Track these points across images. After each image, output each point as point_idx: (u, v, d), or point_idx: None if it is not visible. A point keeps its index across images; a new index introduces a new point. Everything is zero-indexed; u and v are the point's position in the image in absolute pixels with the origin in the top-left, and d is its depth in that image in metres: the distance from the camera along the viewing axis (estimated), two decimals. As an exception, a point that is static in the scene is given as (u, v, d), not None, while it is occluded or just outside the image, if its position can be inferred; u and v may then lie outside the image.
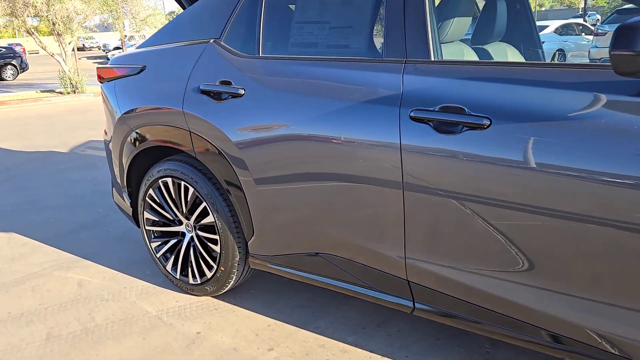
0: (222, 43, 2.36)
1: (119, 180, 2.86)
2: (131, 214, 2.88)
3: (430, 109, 1.72)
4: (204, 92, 2.31)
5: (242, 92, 2.19)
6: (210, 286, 2.57)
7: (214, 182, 2.41)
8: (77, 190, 4.74)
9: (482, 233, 1.68)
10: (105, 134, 2.98)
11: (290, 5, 2.38)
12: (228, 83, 2.25)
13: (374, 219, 1.92)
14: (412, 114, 1.75)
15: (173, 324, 2.44)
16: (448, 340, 2.20)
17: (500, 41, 2.59)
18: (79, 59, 14.66)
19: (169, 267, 2.72)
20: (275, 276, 2.54)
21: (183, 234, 2.67)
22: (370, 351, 2.16)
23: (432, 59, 1.80)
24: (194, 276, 2.63)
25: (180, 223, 2.65)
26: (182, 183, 2.49)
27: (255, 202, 2.24)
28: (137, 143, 2.63)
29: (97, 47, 39.03)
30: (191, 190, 2.47)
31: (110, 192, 3.32)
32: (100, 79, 2.89)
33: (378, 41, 2.07)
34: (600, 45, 11.06)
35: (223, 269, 2.48)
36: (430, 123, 1.72)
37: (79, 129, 8.26)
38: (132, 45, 27.40)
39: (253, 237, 2.33)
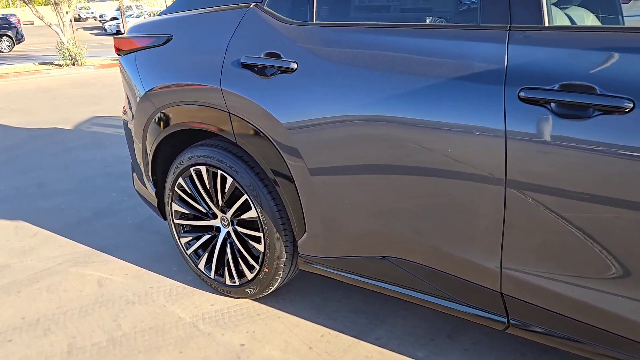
0: (265, 8, 2.00)
1: (141, 167, 2.53)
2: (156, 205, 2.55)
3: (548, 87, 1.38)
4: (245, 66, 1.96)
5: (295, 66, 1.84)
6: (251, 288, 2.26)
7: (257, 171, 2.08)
8: (86, 172, 4.41)
9: (605, 243, 1.37)
10: (125, 112, 2.64)
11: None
12: (276, 55, 1.90)
13: (465, 221, 1.60)
14: (521, 94, 1.41)
15: (212, 333, 2.14)
16: (536, 356, 1.90)
17: (577, 6, 2.23)
18: (76, 29, 14.12)
19: (201, 265, 2.41)
20: (318, 275, 2.24)
21: (218, 229, 2.35)
22: (446, 369, 1.87)
23: (547, 24, 1.45)
24: (231, 277, 2.32)
25: (215, 217, 2.32)
26: (219, 172, 2.16)
27: (309, 196, 1.91)
28: (164, 125, 2.28)
29: (93, 17, 38.16)
30: (229, 180, 2.14)
31: (130, 176, 3.00)
32: (118, 50, 2.52)
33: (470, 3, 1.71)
34: None
35: (267, 270, 2.17)
36: (548, 105, 1.37)
37: (82, 104, 7.88)
38: (130, 16, 26.67)
39: (304, 236, 2.01)
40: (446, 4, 1.75)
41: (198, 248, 2.42)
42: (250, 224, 2.21)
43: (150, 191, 2.55)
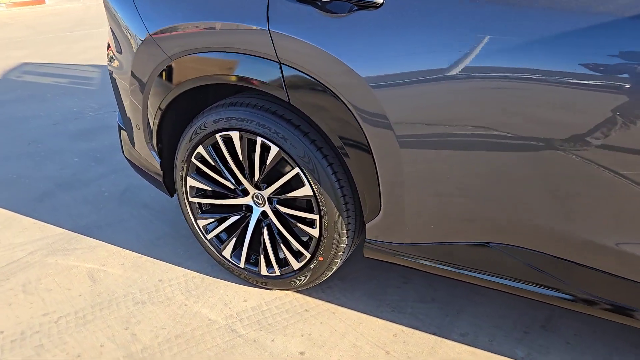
0: None
1: (139, 131, 1.99)
2: (162, 179, 2.04)
3: None
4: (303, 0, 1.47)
5: (380, 0, 1.38)
6: (296, 279, 1.86)
7: (313, 138, 1.63)
8: (34, 132, 3.71)
9: None
10: (111, 60, 2.06)
11: None
12: (348, -16, 1.42)
13: (618, 204, 1.25)
14: None
15: (258, 339, 1.73)
16: (652, 348, 1.65)
17: None
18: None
19: (226, 252, 1.96)
20: (360, 256, 1.86)
21: (249, 209, 1.89)
22: (557, 370, 1.58)
23: None
24: (269, 266, 1.89)
25: (246, 193, 1.86)
26: (259, 139, 1.69)
27: (392, 171, 1.49)
28: (179, 80, 1.75)
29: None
30: (274, 150, 1.67)
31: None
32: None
33: None
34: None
35: (321, 259, 1.76)
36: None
37: (3, 49, 6.83)
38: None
39: (378, 218, 1.61)
40: None
41: (222, 232, 1.96)
42: (296, 203, 1.78)
43: (152, 162, 2.03)
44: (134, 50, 1.83)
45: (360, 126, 1.47)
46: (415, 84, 1.35)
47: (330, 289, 1.96)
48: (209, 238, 1.99)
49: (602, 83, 1.15)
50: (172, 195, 2.10)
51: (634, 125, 1.15)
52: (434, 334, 1.73)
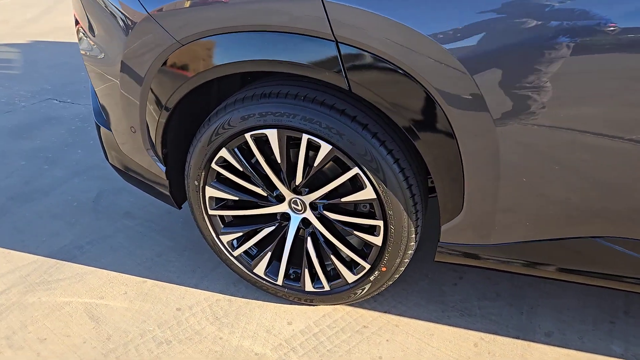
0: None
1: (137, 134, 1.61)
2: (169, 191, 1.68)
3: None
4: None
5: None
6: (351, 293, 1.60)
7: (373, 132, 1.34)
8: (-40, 131, 3.12)
9: None
10: (84, 43, 1.65)
11: None
12: None
13: None
14: None
15: (323, 372, 1.47)
16: None
17: None
18: None
19: (259, 269, 1.66)
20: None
21: (285, 217, 1.59)
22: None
23: None
24: (315, 280, 1.62)
25: (281, 200, 1.55)
26: (304, 137, 1.37)
27: (483, 161, 1.24)
28: (193, 71, 1.38)
29: None
30: (325, 148, 1.37)
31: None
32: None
33: None
34: None
35: (384, 269, 1.51)
36: None
37: None
38: None
39: (459, 218, 1.36)
40: None
41: (252, 246, 1.65)
42: (345, 208, 1.50)
43: (154, 170, 1.66)
44: (126, 34, 1.43)
45: (444, 111, 1.20)
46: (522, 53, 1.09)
47: (381, 296, 1.72)
48: (236, 255, 1.67)
49: None
50: (180, 207, 1.75)
51: None
52: (517, 338, 1.54)
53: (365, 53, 1.20)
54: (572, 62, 1.06)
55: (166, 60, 1.40)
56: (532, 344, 1.52)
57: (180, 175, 1.68)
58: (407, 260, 1.49)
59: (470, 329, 1.58)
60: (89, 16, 1.56)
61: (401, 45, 1.16)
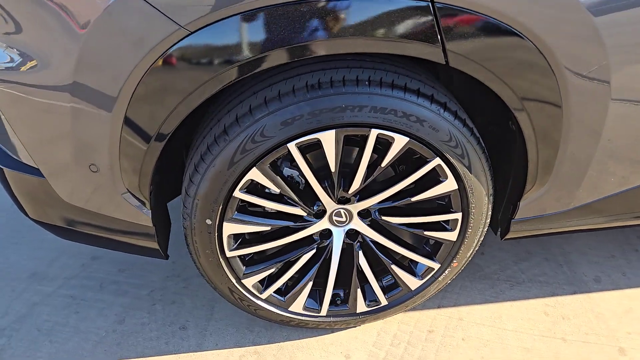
0: None
1: (106, 173, 1.07)
2: (156, 240, 1.19)
3: None
4: None
5: None
6: (414, 300, 1.36)
7: (454, 111, 1.09)
8: None
9: None
10: None
11: None
12: None
13: None
14: None
15: (427, 404, 1.23)
16: None
17: None
18: None
19: (297, 306, 1.32)
20: None
21: (324, 235, 1.25)
22: None
23: None
24: (369, 298, 1.34)
25: (321, 215, 1.21)
26: (373, 132, 1.05)
27: (588, 129, 1.09)
28: (213, 71, 0.93)
29: None
30: (401, 141, 1.07)
31: None
32: None
33: None
34: None
35: (456, 264, 1.30)
36: None
37: None
38: None
39: (544, 190, 1.21)
40: None
41: (285, 282, 1.29)
42: (414, 208, 1.24)
43: (133, 219, 1.15)
44: (83, 27, 0.89)
45: (561, 79, 1.00)
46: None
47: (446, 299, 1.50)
48: (265, 297, 1.29)
49: None
50: (167, 257, 1.27)
51: None
52: (575, 293, 1.49)
53: (469, 12, 0.92)
54: None
55: (161, 60, 0.92)
56: (590, 294, 1.48)
57: (165, 217, 1.20)
58: (477, 249, 1.30)
59: (530, 298, 1.48)
60: (4, 11, 0.95)
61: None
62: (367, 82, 1.02)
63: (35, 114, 1.02)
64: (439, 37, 0.94)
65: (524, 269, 1.57)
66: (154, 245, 1.20)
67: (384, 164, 1.11)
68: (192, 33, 0.90)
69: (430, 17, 0.92)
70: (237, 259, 1.22)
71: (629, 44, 1.00)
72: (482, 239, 1.28)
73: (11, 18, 0.94)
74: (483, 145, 1.14)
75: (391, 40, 0.94)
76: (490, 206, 1.22)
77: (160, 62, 0.91)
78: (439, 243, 1.27)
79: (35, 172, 1.13)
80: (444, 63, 0.98)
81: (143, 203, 1.12)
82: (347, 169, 1.15)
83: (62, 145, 1.05)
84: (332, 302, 1.34)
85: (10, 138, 1.11)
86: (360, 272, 1.29)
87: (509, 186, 1.24)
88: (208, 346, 1.36)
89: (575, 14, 0.94)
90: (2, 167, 1.17)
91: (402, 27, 0.93)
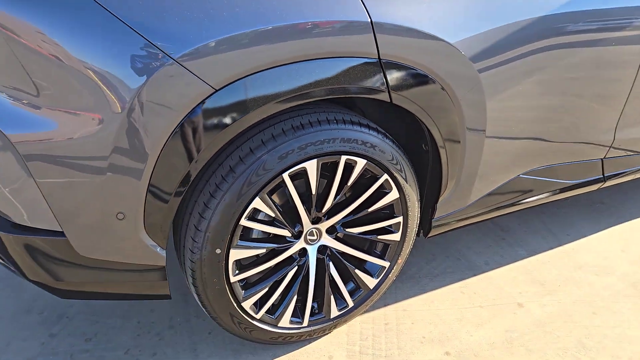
0: None
1: (129, 219, 1.22)
2: (166, 279, 1.33)
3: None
4: (391, -18, 1.31)
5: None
6: (372, 298, 1.67)
7: (391, 138, 1.50)
8: None
9: None
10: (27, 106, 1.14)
11: None
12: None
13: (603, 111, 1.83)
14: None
15: (405, 373, 1.53)
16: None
17: None
18: None
19: (285, 321, 1.54)
20: None
21: (300, 254, 1.52)
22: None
23: None
24: (339, 302, 1.62)
25: (299, 236, 1.49)
26: (343, 158, 1.40)
27: (477, 148, 1.59)
28: (238, 112, 1.19)
29: None
30: (361, 163, 1.43)
31: None
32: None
33: None
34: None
35: (400, 261, 1.67)
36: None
37: None
38: None
39: (446, 193, 1.65)
40: None
41: (276, 299, 1.51)
42: (368, 218, 1.57)
43: (149, 260, 1.29)
44: (128, 92, 1.09)
45: (460, 107, 1.47)
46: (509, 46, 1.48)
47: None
48: (259, 317, 1.48)
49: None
50: (169, 298, 1.40)
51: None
52: (476, 275, 1.94)
53: (404, 67, 1.34)
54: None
55: (195, 111, 1.16)
56: (486, 273, 1.95)
57: (170, 253, 1.36)
58: (412, 246, 1.68)
59: (447, 285, 1.89)
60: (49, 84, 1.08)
61: (432, 53, 1.36)
62: (336, 121, 1.37)
63: (72, 179, 1.14)
64: (385, 82, 1.34)
65: (435, 266, 1.99)
66: (165, 284, 1.34)
67: (349, 182, 1.44)
68: (217, 90, 1.16)
69: (379, 69, 1.31)
70: (237, 283, 1.42)
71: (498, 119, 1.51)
72: (415, 237, 1.67)
73: (58, 91, 1.09)
74: (409, 161, 1.55)
75: (357, 86, 1.31)
76: (419, 209, 1.62)
77: (205, 103, 1.14)
78: (386, 245, 1.62)
79: (51, 233, 1.22)
80: (389, 101, 1.37)
81: (159, 243, 1.28)
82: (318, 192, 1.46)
83: (92, 204, 1.18)
84: (310, 313, 1.58)
85: (25, 204, 1.19)
86: (332, 281, 1.57)
87: (425, 193, 1.66)
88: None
89: (469, 70, 1.42)
90: (14, 235, 1.22)
91: (362, 77, 1.31)
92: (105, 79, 1.08)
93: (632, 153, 2.05)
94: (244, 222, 1.33)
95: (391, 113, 1.56)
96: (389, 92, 1.35)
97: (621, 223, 2.29)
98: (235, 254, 1.36)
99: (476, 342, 1.63)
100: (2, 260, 1.33)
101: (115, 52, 1.08)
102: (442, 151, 1.53)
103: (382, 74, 1.32)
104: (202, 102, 1.15)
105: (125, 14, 1.07)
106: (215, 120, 1.17)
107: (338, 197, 1.46)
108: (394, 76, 1.33)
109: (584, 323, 1.72)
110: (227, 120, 1.18)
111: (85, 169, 1.14)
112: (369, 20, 1.25)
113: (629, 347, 1.62)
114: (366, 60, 1.29)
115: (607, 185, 2.07)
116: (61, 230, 1.21)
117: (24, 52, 1.08)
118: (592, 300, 1.82)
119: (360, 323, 1.70)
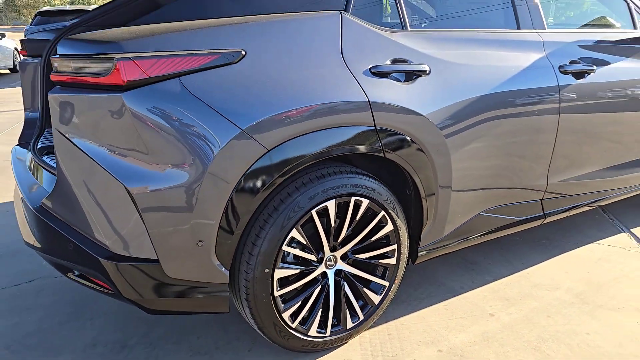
0: (353, 16, 1.94)
1: (204, 246, 1.67)
2: (228, 292, 1.77)
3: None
4: (377, 74, 1.90)
5: (427, 69, 2.01)
6: (377, 312, 2.12)
7: (385, 184, 2.03)
8: None
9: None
10: (161, 172, 1.61)
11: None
12: (404, 61, 1.97)
13: (534, 162, 2.43)
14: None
15: (410, 365, 1.96)
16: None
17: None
18: None
19: (313, 331, 1.97)
20: None
21: (323, 275, 1.99)
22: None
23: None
24: (353, 317, 2.06)
25: (321, 261, 1.96)
26: (352, 199, 1.91)
27: (445, 188, 2.13)
28: (281, 166, 1.70)
29: None
30: (365, 202, 1.94)
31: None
32: (125, 80, 1.52)
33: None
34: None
35: (397, 281, 2.14)
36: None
37: None
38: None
39: (426, 227, 2.17)
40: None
41: (306, 312, 1.94)
42: (370, 247, 2.06)
43: (218, 279, 1.73)
44: (220, 148, 1.59)
45: (431, 158, 2.02)
46: (461, 118, 2.06)
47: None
48: (294, 327, 1.91)
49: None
50: (229, 310, 1.82)
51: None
52: (454, 296, 2.42)
53: (392, 131, 1.90)
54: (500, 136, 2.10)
55: (253, 167, 1.66)
56: (462, 295, 2.43)
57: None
58: (404, 269, 2.16)
59: (434, 304, 2.35)
60: (173, 145, 1.57)
61: (410, 123, 1.93)
62: (347, 172, 1.89)
63: (171, 218, 1.61)
64: (380, 143, 1.88)
65: (421, 292, 2.45)
66: (226, 300, 1.77)
67: (357, 217, 1.94)
68: (268, 150, 1.67)
69: (375, 133, 1.86)
70: (279, 298, 1.85)
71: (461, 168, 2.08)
72: (406, 263, 2.15)
73: (161, 151, 1.58)
74: (401, 202, 2.07)
75: (363, 146, 1.85)
76: (408, 239, 2.12)
77: (261, 158, 1.64)
78: (386, 268, 2.09)
79: (148, 260, 1.66)
80: (383, 156, 1.91)
81: (224, 264, 1.72)
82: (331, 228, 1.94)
83: (182, 236, 1.63)
84: (332, 325, 2.01)
85: (131, 238, 1.64)
86: (347, 299, 2.02)
87: (410, 226, 2.17)
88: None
89: (438, 136, 1.99)
90: (115, 262, 1.65)
91: (364, 139, 1.85)
92: (196, 143, 1.59)
93: (561, 195, 2.64)
94: (285, 247, 1.80)
95: (383, 167, 2.10)
96: (383, 150, 1.90)
97: (563, 253, 2.84)
98: (278, 273, 1.82)
99: (461, 342, 2.08)
100: (92, 282, 1.74)
101: (204, 126, 1.59)
102: (423, 201, 2.07)
103: (377, 137, 1.87)
104: (258, 159, 1.66)
105: (214, 104, 1.60)
106: (267, 173, 1.68)
107: (349, 229, 1.95)
108: (386, 139, 1.89)
109: (541, 324, 2.20)
110: (277, 169, 1.69)
111: (180, 210, 1.61)
112: (367, 100, 1.81)
113: (577, 337, 2.11)
114: (367, 128, 1.84)
115: (548, 221, 2.63)
116: (156, 257, 1.65)
117: (143, 129, 1.57)
118: (546, 308, 2.31)
119: (368, 335, 2.13)
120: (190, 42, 1.61)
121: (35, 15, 11.38)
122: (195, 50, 1.60)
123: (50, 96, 1.64)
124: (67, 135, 1.63)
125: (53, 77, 1.66)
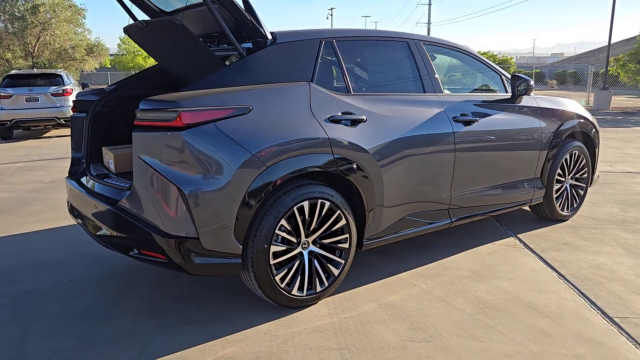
0: (316, 85, 3.04)
1: (227, 228, 2.63)
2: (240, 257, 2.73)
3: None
4: (334, 121, 2.98)
5: (365, 118, 3.12)
6: (337, 282, 3.11)
7: (342, 192, 3.08)
8: None
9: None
10: (201, 180, 2.57)
11: (358, 58, 3.34)
12: (349, 113, 3.07)
13: (438, 179, 3.55)
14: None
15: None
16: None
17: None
18: None
19: (295, 291, 2.93)
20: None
21: (300, 254, 2.97)
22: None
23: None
24: (321, 283, 3.03)
25: (299, 244, 2.95)
26: (319, 201, 2.93)
27: (379, 192, 3.20)
28: (272, 176, 2.71)
29: None
30: (327, 204, 2.97)
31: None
32: (183, 124, 2.51)
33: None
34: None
35: (350, 261, 3.15)
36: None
37: None
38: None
39: (367, 224, 3.21)
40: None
41: (290, 277, 2.91)
42: (335, 234, 3.06)
43: (233, 250, 2.68)
44: (237, 166, 2.59)
45: (370, 177, 3.09)
46: (386, 147, 3.17)
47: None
48: (282, 286, 2.87)
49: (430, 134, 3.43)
50: (238, 275, 2.76)
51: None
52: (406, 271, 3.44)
53: (343, 157, 2.96)
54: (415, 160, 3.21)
55: (260, 175, 2.66)
56: (395, 275, 3.45)
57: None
58: (353, 254, 3.17)
59: (378, 280, 3.35)
60: (208, 165, 2.54)
61: (354, 151, 3.00)
62: (315, 184, 2.92)
63: (210, 207, 2.57)
64: (335, 165, 2.94)
65: (364, 273, 3.46)
66: (239, 266, 2.71)
67: (322, 214, 2.95)
68: (267, 167, 2.68)
69: (332, 159, 2.92)
70: (273, 266, 2.81)
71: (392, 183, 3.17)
72: (354, 248, 3.16)
73: (200, 168, 2.56)
74: (351, 204, 3.10)
75: (325, 166, 2.89)
76: (356, 230, 3.14)
77: (262, 171, 2.65)
78: (342, 250, 3.09)
79: (191, 238, 2.60)
80: (337, 173, 2.96)
81: (239, 240, 2.68)
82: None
83: (215, 220, 2.60)
84: (306, 289, 2.97)
85: (180, 222, 2.58)
86: (316, 271, 3.00)
87: (357, 223, 3.20)
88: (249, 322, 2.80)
89: (375, 166, 3.07)
90: (170, 239, 2.58)
91: (327, 162, 2.90)
92: (225, 162, 2.59)
93: (461, 206, 3.75)
94: (277, 231, 2.78)
95: (340, 182, 3.14)
96: (337, 170, 2.95)
97: (468, 249, 3.94)
98: (273, 248, 2.79)
99: (393, 299, 3.08)
100: (149, 257, 2.66)
101: (229, 151, 2.59)
102: (367, 214, 3.12)
103: (334, 161, 2.93)
104: (261, 172, 2.67)
105: (235, 138, 2.61)
106: (266, 181, 2.69)
107: (317, 222, 2.96)
108: (340, 164, 2.95)
109: (447, 288, 3.24)
110: (272, 179, 2.70)
111: (214, 205, 2.58)
112: (327, 137, 2.88)
113: (470, 293, 3.16)
114: (328, 155, 2.90)
115: (454, 225, 3.73)
116: (197, 236, 2.61)
117: (193, 153, 2.56)
118: (451, 280, 3.36)
119: (331, 298, 3.10)
120: (220, 101, 2.65)
121: (4, 78, 12.09)
122: (224, 107, 2.63)
123: (135, 134, 2.61)
124: (143, 158, 2.59)
125: (137, 122, 2.63)
